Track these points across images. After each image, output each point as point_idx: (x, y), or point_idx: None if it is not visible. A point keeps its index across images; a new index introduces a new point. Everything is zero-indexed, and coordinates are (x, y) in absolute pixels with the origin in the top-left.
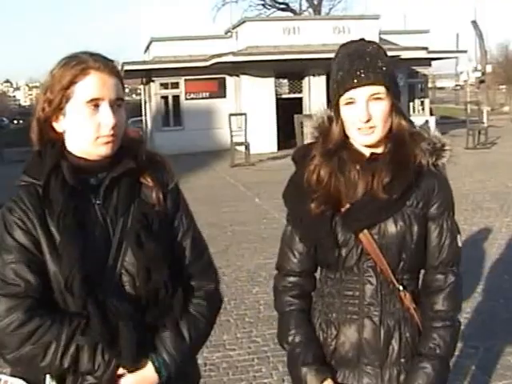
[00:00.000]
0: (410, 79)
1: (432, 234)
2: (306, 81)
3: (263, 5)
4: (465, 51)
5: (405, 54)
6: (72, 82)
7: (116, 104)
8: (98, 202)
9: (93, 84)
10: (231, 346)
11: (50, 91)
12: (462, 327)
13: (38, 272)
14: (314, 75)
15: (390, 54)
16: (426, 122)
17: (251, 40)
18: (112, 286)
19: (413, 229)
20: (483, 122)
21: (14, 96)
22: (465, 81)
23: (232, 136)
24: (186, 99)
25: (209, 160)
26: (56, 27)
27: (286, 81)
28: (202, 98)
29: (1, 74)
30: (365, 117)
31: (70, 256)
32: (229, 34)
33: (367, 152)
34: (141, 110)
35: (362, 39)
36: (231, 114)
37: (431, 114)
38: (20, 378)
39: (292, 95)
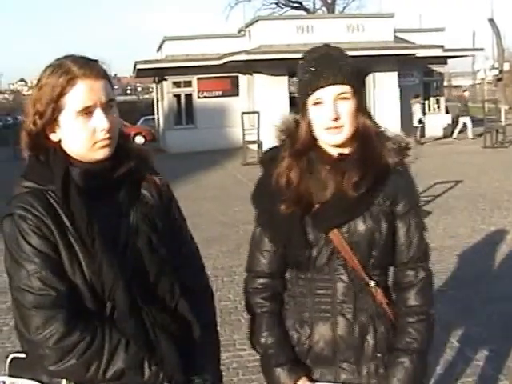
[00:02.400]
0: (426, 77)
1: (400, 231)
2: None
3: (276, 3)
4: (481, 49)
5: (420, 53)
6: (61, 94)
7: (108, 105)
8: (103, 204)
9: (82, 93)
10: (242, 345)
11: (40, 104)
12: (481, 329)
13: (65, 278)
14: None
15: (405, 52)
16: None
17: (264, 38)
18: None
19: (381, 226)
20: (501, 121)
21: (29, 95)
22: (482, 79)
23: (244, 134)
24: (199, 98)
25: (221, 158)
26: (70, 25)
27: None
28: (215, 97)
29: (15, 73)
30: (333, 115)
31: (110, 265)
32: (242, 32)
33: (335, 152)
34: (153, 108)
35: (326, 44)
36: (244, 113)
37: (447, 113)
38: (20, 377)
39: None
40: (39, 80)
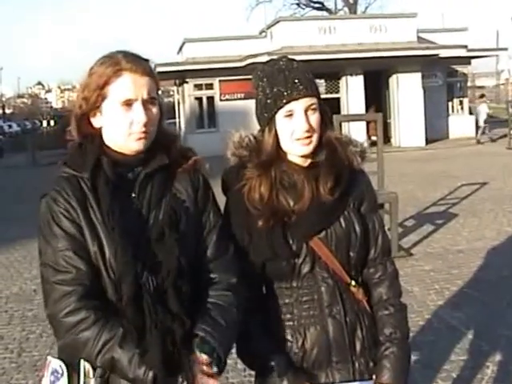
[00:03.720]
0: (449, 78)
1: (367, 229)
2: (343, 81)
3: (298, 4)
4: (505, 49)
5: (443, 53)
6: (106, 83)
7: (149, 102)
8: (133, 195)
9: (126, 85)
10: None
11: (87, 90)
12: (511, 332)
13: (86, 259)
14: (351, 75)
15: (428, 52)
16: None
17: (286, 40)
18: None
19: (355, 227)
20: None
21: (46, 98)
22: (506, 79)
23: None
24: (221, 100)
25: None
26: (88, 28)
27: (322, 81)
28: (237, 99)
29: (33, 76)
30: (306, 127)
31: (124, 253)
32: (263, 33)
33: (303, 162)
34: (174, 111)
35: (285, 57)
36: None
37: (471, 114)
38: (60, 359)
39: (329, 95)
40: (91, 68)
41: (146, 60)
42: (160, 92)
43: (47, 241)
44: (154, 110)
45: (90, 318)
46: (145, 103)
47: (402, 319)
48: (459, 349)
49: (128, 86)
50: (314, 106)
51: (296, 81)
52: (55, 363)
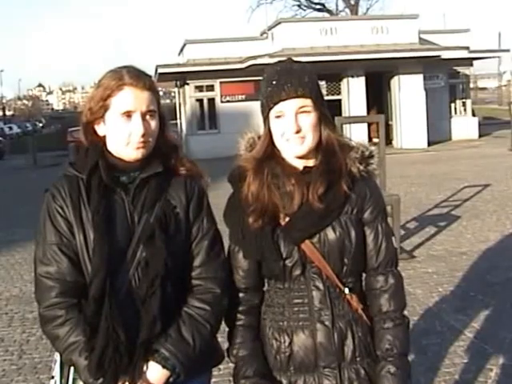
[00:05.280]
0: (451, 80)
1: (368, 237)
2: (344, 82)
3: (299, 5)
4: (507, 50)
5: (445, 54)
6: (109, 95)
7: (148, 115)
8: (128, 198)
9: (126, 98)
10: None
11: (93, 101)
12: None
13: (71, 257)
14: (352, 76)
15: (430, 53)
16: None
17: (287, 41)
18: (127, 278)
19: (351, 234)
20: None
21: (47, 100)
22: (508, 81)
23: None
24: (222, 102)
25: None
26: (89, 29)
27: (323, 83)
28: (238, 101)
29: (33, 78)
30: (294, 128)
31: (100, 254)
32: (264, 35)
33: (299, 165)
34: (175, 113)
35: (289, 59)
36: None
37: (473, 115)
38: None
39: (330, 97)
40: (99, 81)
41: (149, 76)
42: (162, 93)
43: (41, 233)
44: (153, 122)
45: (62, 317)
46: (144, 116)
47: (400, 334)
48: (463, 352)
49: (128, 98)
50: (306, 109)
51: (286, 82)
52: (56, 357)
